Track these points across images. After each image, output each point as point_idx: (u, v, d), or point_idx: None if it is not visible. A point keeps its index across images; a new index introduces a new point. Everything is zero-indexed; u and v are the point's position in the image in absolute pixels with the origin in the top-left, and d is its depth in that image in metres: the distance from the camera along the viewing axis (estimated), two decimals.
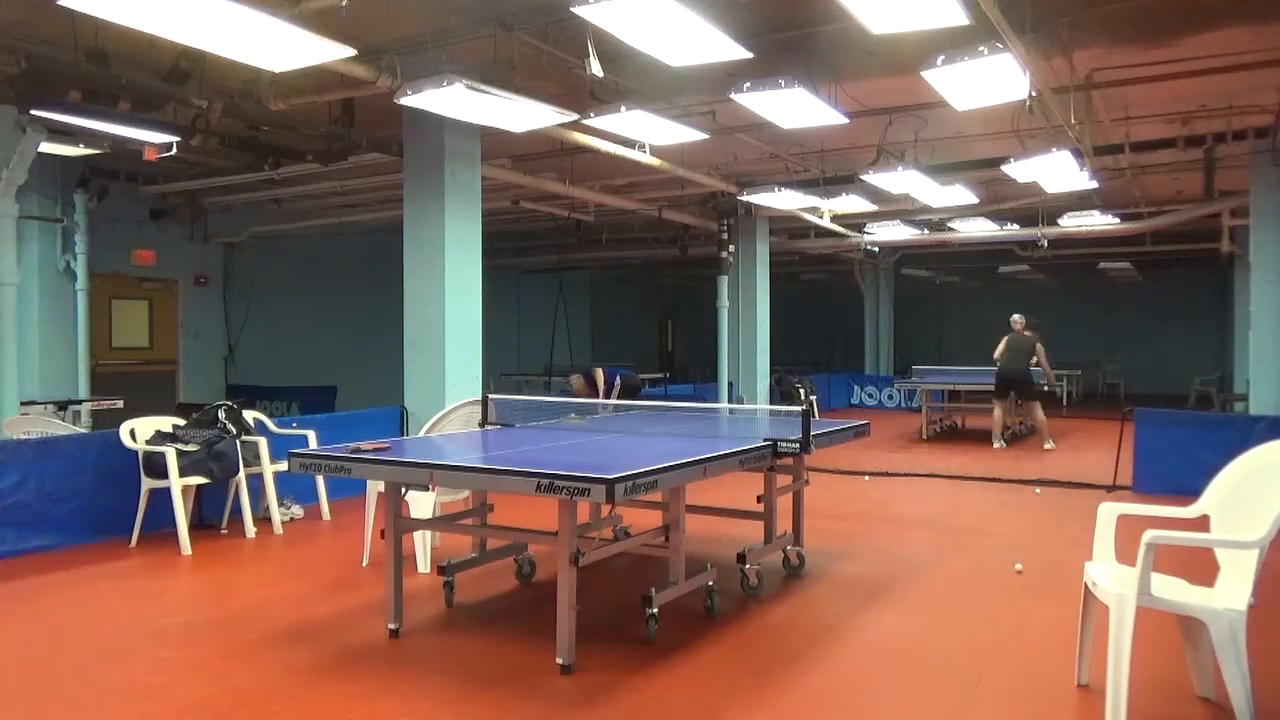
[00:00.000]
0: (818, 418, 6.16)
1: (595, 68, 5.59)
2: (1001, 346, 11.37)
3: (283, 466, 6.16)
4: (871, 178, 8.96)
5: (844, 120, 6.83)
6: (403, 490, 4.28)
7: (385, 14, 5.93)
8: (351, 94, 7.18)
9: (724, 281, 13.42)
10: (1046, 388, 12.38)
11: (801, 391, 14.36)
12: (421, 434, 5.85)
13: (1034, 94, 6.26)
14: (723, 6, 5.09)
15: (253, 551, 5.96)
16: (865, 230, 14.43)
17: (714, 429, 5.89)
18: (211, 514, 6.42)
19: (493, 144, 8.51)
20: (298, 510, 6.76)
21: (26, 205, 8.64)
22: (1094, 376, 20.08)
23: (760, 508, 5.10)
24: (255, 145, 8.52)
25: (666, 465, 3.72)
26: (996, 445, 11.26)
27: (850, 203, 11.29)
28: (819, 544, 5.67)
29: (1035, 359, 11.37)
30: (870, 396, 17.75)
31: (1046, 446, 11.06)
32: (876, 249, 16.20)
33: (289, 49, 5.02)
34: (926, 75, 5.59)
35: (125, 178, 10.52)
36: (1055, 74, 6.64)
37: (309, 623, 4.36)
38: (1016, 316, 12.28)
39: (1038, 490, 8.16)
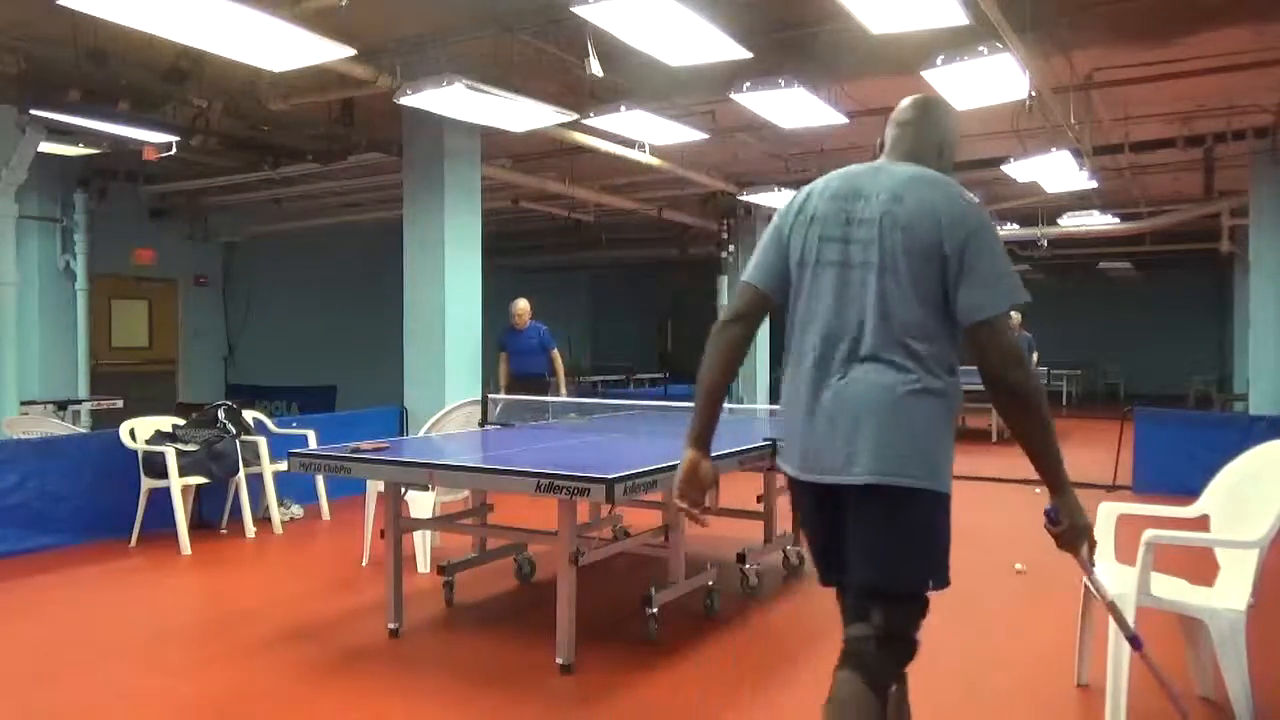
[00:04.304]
0: None
1: (595, 68, 5.59)
2: None
3: (282, 466, 6.16)
4: None
5: (844, 120, 6.84)
6: (402, 490, 4.28)
7: (385, 14, 5.92)
8: (351, 94, 7.18)
9: (724, 281, 13.41)
10: None
11: None
12: (421, 434, 5.86)
13: (1034, 94, 6.26)
14: (722, 6, 5.09)
15: (252, 551, 5.95)
16: None
17: None
18: (211, 514, 6.42)
19: (493, 144, 8.51)
20: (297, 510, 6.76)
21: (26, 205, 8.64)
22: (1094, 376, 20.07)
23: (760, 508, 5.10)
24: (255, 145, 8.52)
25: (666, 465, 3.71)
26: None
27: None
28: None
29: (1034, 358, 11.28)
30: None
31: None
32: None
33: (289, 49, 5.02)
34: (926, 75, 5.59)
35: (125, 178, 10.50)
36: (1055, 74, 6.64)
37: (309, 623, 4.36)
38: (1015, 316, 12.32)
39: (1038, 490, 8.08)
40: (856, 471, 2.10)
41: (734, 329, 2.31)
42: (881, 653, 2.19)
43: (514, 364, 8.37)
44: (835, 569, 2.28)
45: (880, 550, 2.16)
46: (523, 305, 8.47)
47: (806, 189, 2.35)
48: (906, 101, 2.43)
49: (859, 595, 2.22)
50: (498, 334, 8.51)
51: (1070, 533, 2.24)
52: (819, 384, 2.19)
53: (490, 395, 5.92)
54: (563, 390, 8.39)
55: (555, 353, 8.44)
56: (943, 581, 2.22)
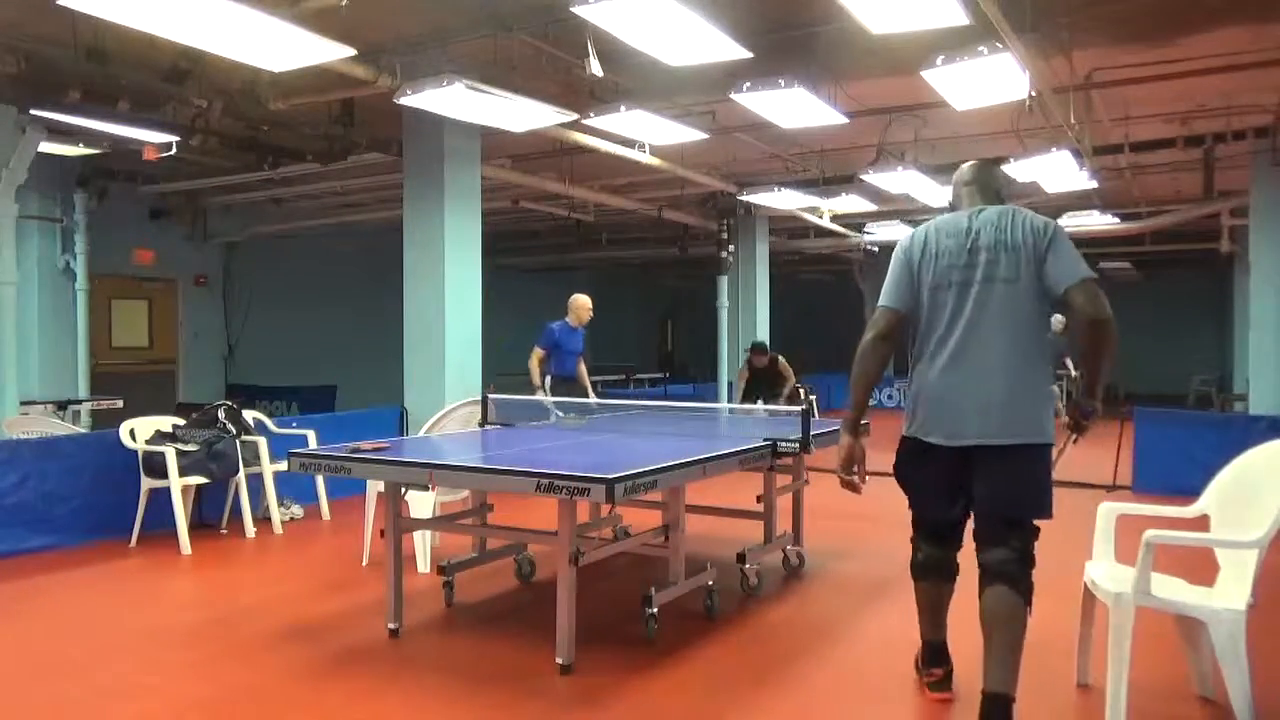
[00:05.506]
0: (818, 417, 6.15)
1: (595, 68, 5.59)
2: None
3: (282, 466, 6.16)
4: (871, 178, 8.96)
5: (844, 120, 6.84)
6: (402, 490, 4.28)
7: (385, 14, 5.92)
8: (351, 94, 7.18)
9: (724, 281, 13.42)
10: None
11: (801, 391, 14.35)
12: (421, 434, 5.85)
13: (1034, 94, 6.26)
14: (723, 6, 5.09)
15: (252, 551, 5.96)
16: (865, 230, 14.42)
17: (714, 429, 5.89)
18: (211, 514, 6.42)
19: (493, 144, 8.51)
20: (297, 510, 6.76)
21: (26, 205, 8.63)
22: None
23: (760, 508, 5.10)
24: (255, 145, 8.52)
25: (666, 465, 3.72)
26: None
27: (850, 202, 11.29)
28: (819, 544, 5.67)
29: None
30: (870, 396, 17.68)
31: None
32: (876, 249, 16.20)
33: (289, 49, 5.02)
34: (926, 75, 5.59)
35: (125, 178, 10.50)
36: (1055, 74, 6.63)
37: (309, 623, 4.36)
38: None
39: None
40: (998, 434, 2.99)
41: (883, 346, 3.18)
42: (1025, 568, 3.00)
43: (560, 364, 7.63)
44: (957, 510, 3.16)
45: (1019, 489, 3.03)
46: (589, 302, 7.78)
47: (921, 231, 3.17)
48: (964, 167, 3.34)
49: (998, 526, 3.02)
50: (548, 329, 7.63)
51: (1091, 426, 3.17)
52: (959, 371, 3.03)
53: (490, 395, 5.82)
54: (590, 394, 7.74)
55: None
56: (1049, 511, 3.06)
